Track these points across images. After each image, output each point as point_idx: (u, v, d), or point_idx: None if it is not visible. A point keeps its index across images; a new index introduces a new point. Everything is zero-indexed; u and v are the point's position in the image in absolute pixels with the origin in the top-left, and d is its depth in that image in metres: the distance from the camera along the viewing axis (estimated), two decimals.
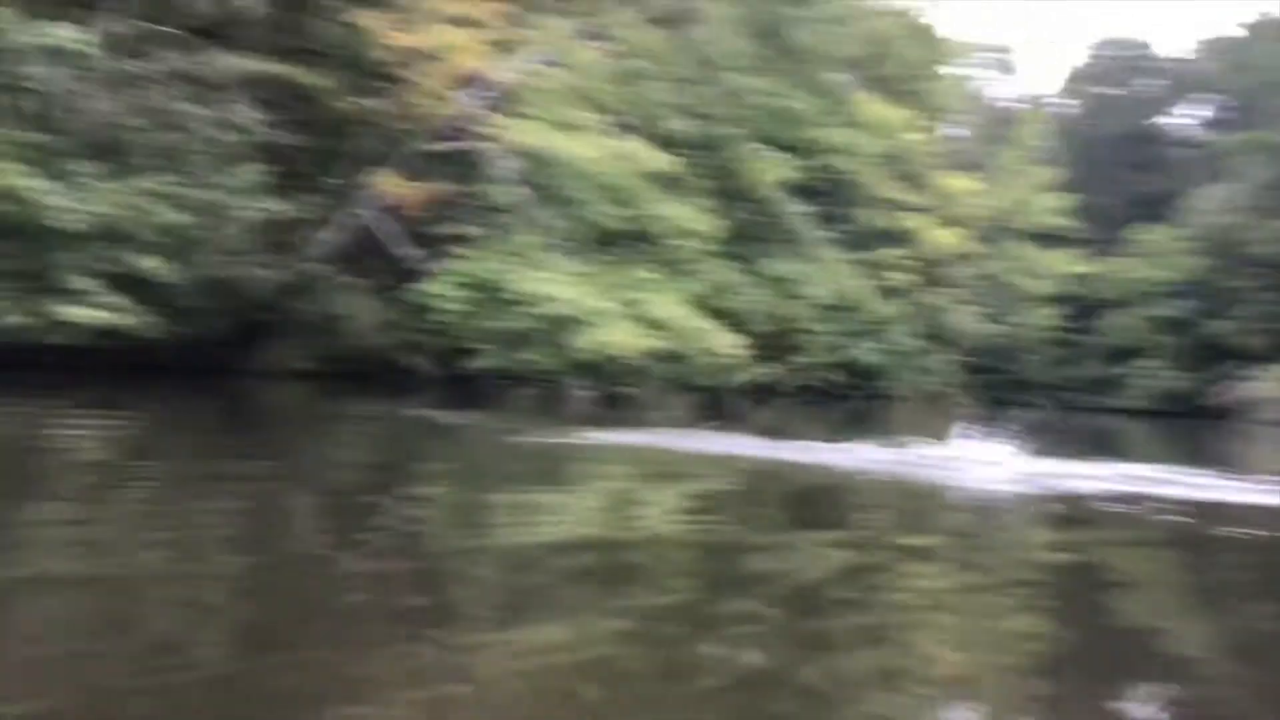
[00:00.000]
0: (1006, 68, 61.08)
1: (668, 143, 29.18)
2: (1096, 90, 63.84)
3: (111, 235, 19.74)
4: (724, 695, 3.41)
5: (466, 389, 24.54)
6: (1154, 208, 53.52)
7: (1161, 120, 63.10)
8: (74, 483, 7.85)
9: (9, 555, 4.94)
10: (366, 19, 24.35)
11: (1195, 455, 19.06)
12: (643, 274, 27.68)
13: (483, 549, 5.88)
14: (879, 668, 3.90)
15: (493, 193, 25.90)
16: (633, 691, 3.43)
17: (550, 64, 26.85)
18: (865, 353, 39.13)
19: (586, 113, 26.63)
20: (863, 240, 40.27)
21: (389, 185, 24.98)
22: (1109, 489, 9.56)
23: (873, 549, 6.57)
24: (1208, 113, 61.29)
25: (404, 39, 24.33)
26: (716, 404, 26.25)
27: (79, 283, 19.41)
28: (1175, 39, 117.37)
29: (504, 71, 26.15)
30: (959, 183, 45.10)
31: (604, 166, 26.00)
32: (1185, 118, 63.16)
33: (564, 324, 24.47)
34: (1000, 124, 55.73)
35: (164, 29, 21.44)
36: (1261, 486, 10.54)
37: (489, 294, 24.67)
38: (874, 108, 39.47)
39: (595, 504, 8.20)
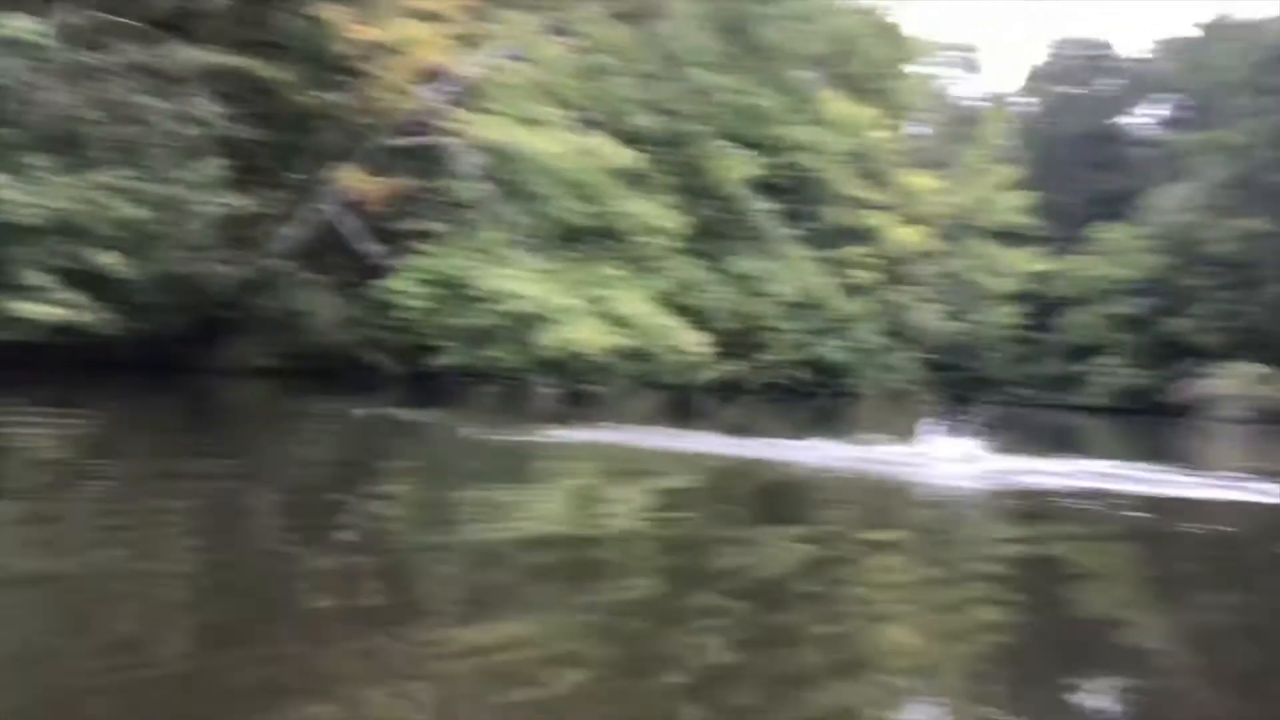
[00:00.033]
0: (971, 66, 61.76)
1: (633, 139, 29.08)
2: (1057, 89, 64.48)
3: (68, 230, 19.36)
4: (690, 689, 3.42)
5: (430, 386, 24.38)
6: (1114, 206, 54.15)
7: (1121, 119, 63.82)
8: (30, 481, 7.72)
9: None
10: (329, 12, 24.08)
11: (1154, 452, 19.35)
12: (608, 271, 27.57)
13: (447, 546, 5.85)
14: (842, 659, 3.93)
15: (456, 188, 25.72)
16: (599, 686, 3.43)
17: (514, 59, 26.72)
18: (830, 350, 39.39)
19: (551, 108, 26.50)
20: (827, 238, 40.53)
21: (351, 180, 24.74)
22: (1070, 485, 9.70)
23: (837, 544, 6.64)
24: (1166, 112, 62.12)
25: (367, 33, 24.12)
26: (682, 401, 26.30)
27: (34, 278, 19.01)
28: (1135, 38, 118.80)
29: (468, 66, 25.99)
30: (922, 181, 45.54)
31: (569, 162, 25.88)
32: (1144, 117, 63.94)
33: (528, 321, 24.32)
34: (963, 122, 56.19)
35: (123, 20, 21.08)
36: (1218, 482, 10.73)
37: (453, 290, 24.47)
38: (839, 105, 39.75)
39: (561, 501, 8.19)
